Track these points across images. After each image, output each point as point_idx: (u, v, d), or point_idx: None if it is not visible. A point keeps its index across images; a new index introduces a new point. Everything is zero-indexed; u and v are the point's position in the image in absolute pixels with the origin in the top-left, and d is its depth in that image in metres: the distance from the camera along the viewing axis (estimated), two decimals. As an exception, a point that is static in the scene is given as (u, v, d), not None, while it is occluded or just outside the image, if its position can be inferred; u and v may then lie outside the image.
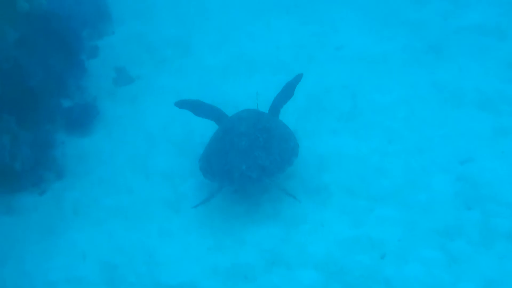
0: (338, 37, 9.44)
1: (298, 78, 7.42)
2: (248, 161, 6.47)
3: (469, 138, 7.36)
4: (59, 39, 8.37)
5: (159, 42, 9.91)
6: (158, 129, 8.16)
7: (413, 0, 9.93)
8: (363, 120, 7.84)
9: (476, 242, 6.18)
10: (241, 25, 9.93)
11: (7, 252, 6.60)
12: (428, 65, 8.58)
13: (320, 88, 8.44)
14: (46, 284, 6.31)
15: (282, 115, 7.38)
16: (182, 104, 7.39)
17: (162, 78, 9.11)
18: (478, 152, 7.15)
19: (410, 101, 8.00)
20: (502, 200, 6.48)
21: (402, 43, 9.03)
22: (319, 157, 7.34)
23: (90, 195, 7.28)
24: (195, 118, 7.57)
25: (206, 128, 7.71)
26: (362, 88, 8.33)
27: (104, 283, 6.29)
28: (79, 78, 8.85)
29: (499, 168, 6.87)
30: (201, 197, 6.83)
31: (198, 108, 7.36)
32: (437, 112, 7.77)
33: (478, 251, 6.09)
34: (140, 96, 8.75)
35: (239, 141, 6.59)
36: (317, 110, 8.09)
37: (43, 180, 7.38)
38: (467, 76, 8.26)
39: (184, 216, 6.85)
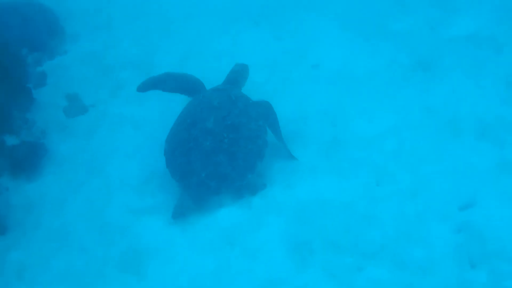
0: (315, 53, 8.56)
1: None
2: (208, 167, 6.39)
3: (469, 176, 6.52)
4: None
5: (116, 63, 8.96)
6: (115, 169, 7.30)
7: (395, 8, 8.98)
8: (346, 155, 6.97)
9: (484, 313, 5.19)
10: (207, 41, 8.96)
11: None
12: (418, 85, 7.74)
13: (296, 115, 7.60)
14: None
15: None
16: (145, 86, 7.29)
17: (119, 105, 8.23)
18: (481, 194, 6.31)
19: (399, 130, 7.17)
20: (512, 256, 5.47)
21: (387, 59, 8.17)
22: (296, 203, 6.51)
23: (38, 254, 6.40)
24: (155, 155, 7.10)
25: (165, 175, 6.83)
26: (344, 115, 7.49)
27: None
28: (26, 110, 7.88)
29: (506, 213, 6.03)
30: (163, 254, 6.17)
31: (166, 83, 7.30)
32: (431, 144, 6.94)
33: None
34: (95, 129, 7.82)
35: (203, 141, 6.48)
36: (293, 143, 7.18)
37: (-17, 238, 6.36)
38: (463, 98, 7.43)
39: (144, 281, 5.81)
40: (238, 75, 7.32)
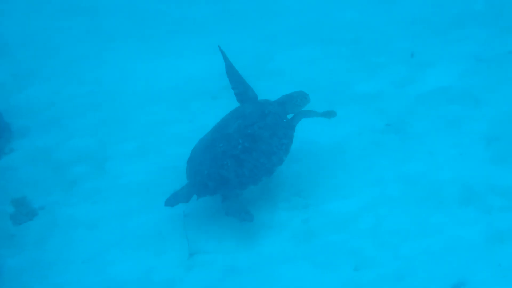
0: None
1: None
2: (213, 167, 6.48)
3: (456, 250, 6.08)
4: None
5: (68, 158, 8.50)
6: (72, 280, 6.76)
7: (359, 69, 8.58)
8: (319, 239, 6.52)
9: None
10: (164, 123, 8.45)
11: None
12: (392, 151, 7.40)
13: (263, 200, 7.11)
14: None
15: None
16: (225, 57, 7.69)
17: (72, 205, 7.72)
18: (471, 270, 5.87)
19: (376, 206, 6.73)
20: None
21: (357, 125, 7.83)
22: (269, 300, 5.83)
23: None
24: (115, 259, 6.74)
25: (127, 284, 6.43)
26: (315, 195, 7.03)
27: None
28: (-32, 224, 7.24)
29: (501, 290, 5.44)
30: None
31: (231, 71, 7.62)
32: (412, 219, 6.50)
33: None
34: (46, 236, 7.35)
35: (218, 143, 6.59)
36: (261, 232, 6.75)
37: None
38: (441, 162, 7.07)
39: None
40: (289, 99, 7.28)
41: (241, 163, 6.48)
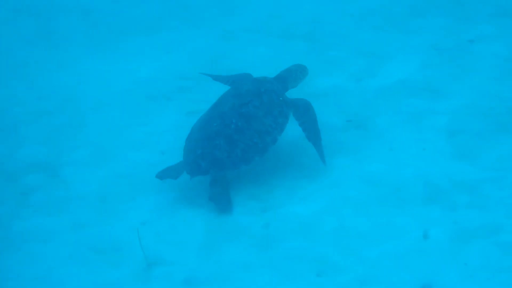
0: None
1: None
2: (206, 147, 6.51)
3: (421, 251, 5.90)
4: None
5: (20, 167, 8.19)
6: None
7: (318, 63, 8.37)
8: (280, 247, 6.28)
9: None
10: (118, 127, 8.25)
11: None
12: (352, 150, 7.23)
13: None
14: None
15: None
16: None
17: (25, 218, 7.40)
18: (437, 271, 5.68)
19: (337, 208, 6.53)
20: None
21: (319, 121, 7.35)
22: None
23: None
24: (71, 276, 6.39)
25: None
26: (273, 198, 6.83)
27: None
28: None
29: (468, 291, 5.31)
30: None
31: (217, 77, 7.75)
32: (375, 220, 6.31)
33: None
34: (-3, 252, 6.85)
35: (212, 122, 6.63)
36: (220, 237, 6.53)
37: None
38: (403, 159, 6.92)
39: None
40: (289, 74, 7.40)
41: (234, 143, 6.49)
